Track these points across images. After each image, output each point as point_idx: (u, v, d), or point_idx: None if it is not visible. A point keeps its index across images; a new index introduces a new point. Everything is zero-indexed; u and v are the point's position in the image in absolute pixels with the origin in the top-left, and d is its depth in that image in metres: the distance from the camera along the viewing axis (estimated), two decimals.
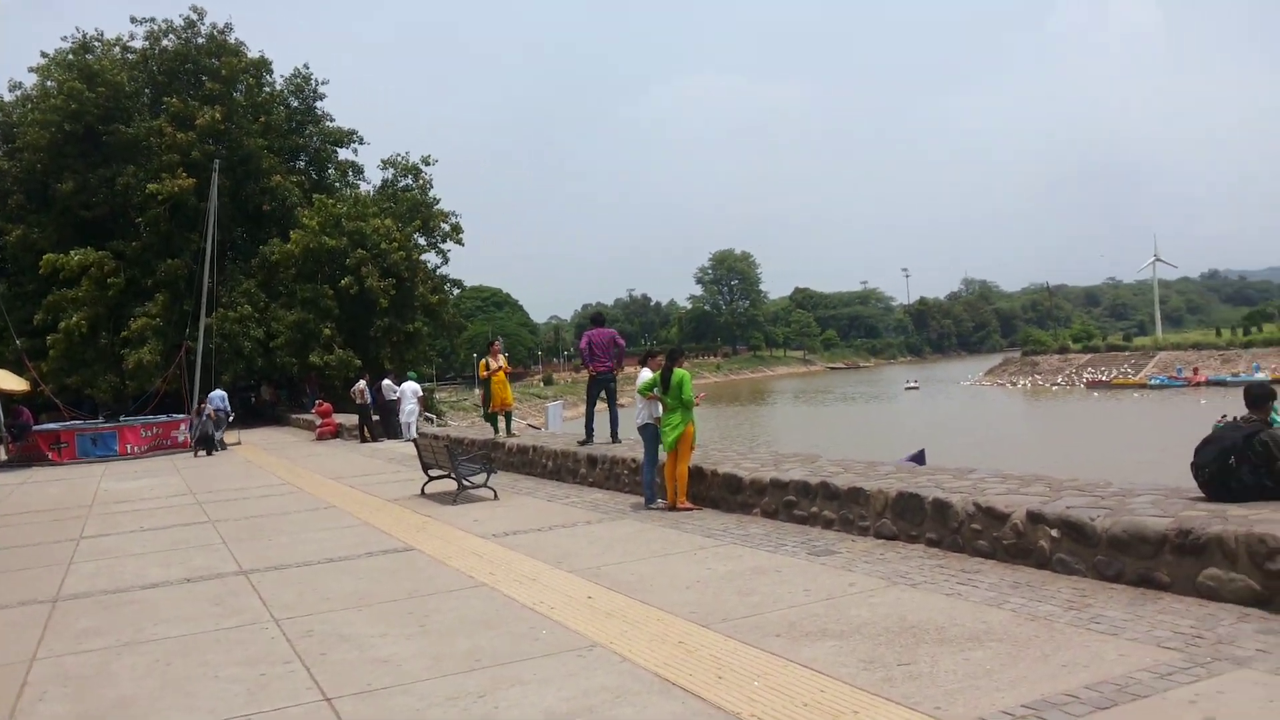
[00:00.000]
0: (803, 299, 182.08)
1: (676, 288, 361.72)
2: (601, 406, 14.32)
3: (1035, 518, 6.72)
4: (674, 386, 10.28)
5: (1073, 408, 66.82)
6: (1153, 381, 79.08)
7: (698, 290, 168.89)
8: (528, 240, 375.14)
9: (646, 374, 10.98)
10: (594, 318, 14.85)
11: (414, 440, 15.61)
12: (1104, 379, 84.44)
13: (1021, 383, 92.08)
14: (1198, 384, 74.88)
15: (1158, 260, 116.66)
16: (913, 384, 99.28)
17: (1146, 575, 5.96)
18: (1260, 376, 72.39)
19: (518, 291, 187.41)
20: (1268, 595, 5.32)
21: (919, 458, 21.16)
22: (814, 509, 8.90)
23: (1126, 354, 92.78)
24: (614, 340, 14.06)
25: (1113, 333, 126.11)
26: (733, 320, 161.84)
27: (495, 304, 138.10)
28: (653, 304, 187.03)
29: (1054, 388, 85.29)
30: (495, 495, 12.67)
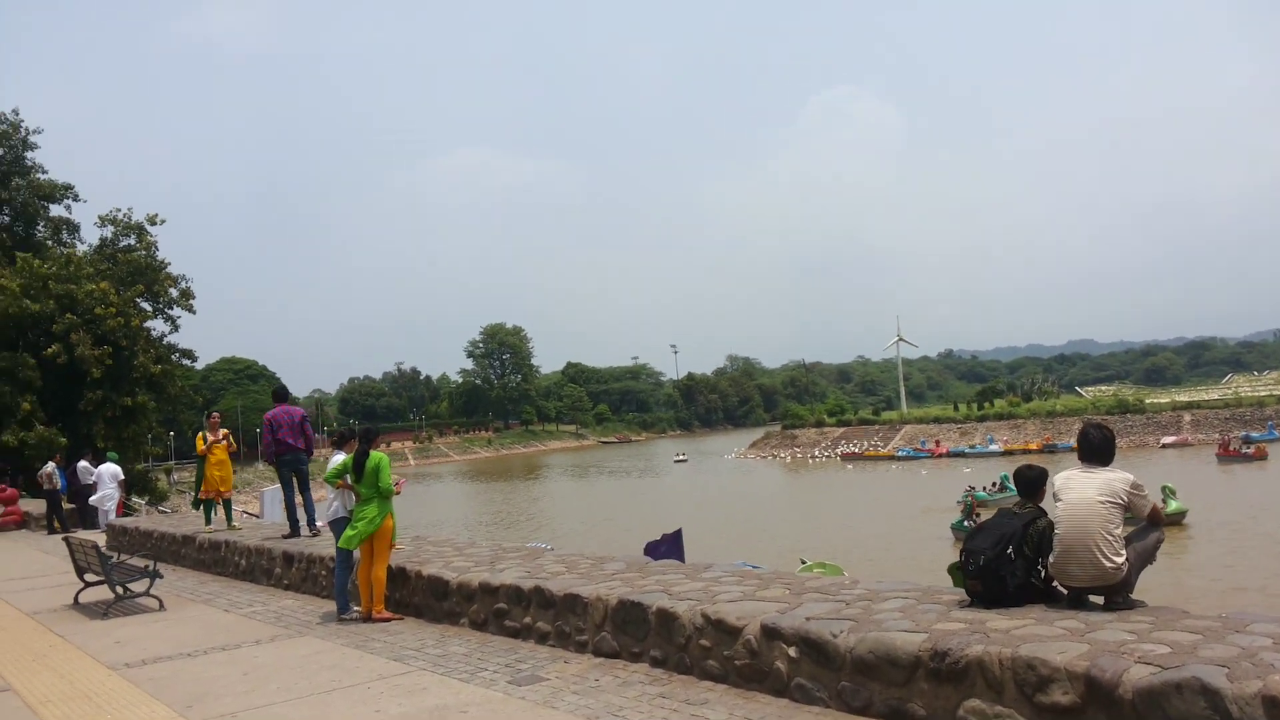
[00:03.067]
0: (575, 373, 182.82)
1: (447, 361, 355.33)
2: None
3: (771, 633, 5.53)
4: (369, 472, 8.61)
5: (830, 479, 69.17)
6: (900, 453, 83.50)
7: (469, 364, 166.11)
8: (288, 312, 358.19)
9: (338, 459, 9.24)
10: (275, 394, 12.67)
11: (65, 538, 12.87)
12: (857, 451, 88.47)
13: (783, 455, 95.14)
14: (939, 455, 79.69)
15: (901, 340, 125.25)
16: (681, 457, 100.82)
17: (899, 708, 4.85)
18: (994, 448, 78.02)
19: (277, 364, 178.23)
20: None
21: (674, 540, 20.19)
22: (527, 619, 7.43)
23: (876, 427, 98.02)
24: (303, 421, 12.11)
25: (864, 407, 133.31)
26: (504, 394, 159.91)
27: (249, 377, 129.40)
28: (422, 377, 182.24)
29: (812, 460, 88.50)
30: (161, 605, 10.42)
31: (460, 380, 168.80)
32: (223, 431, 14.27)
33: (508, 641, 7.47)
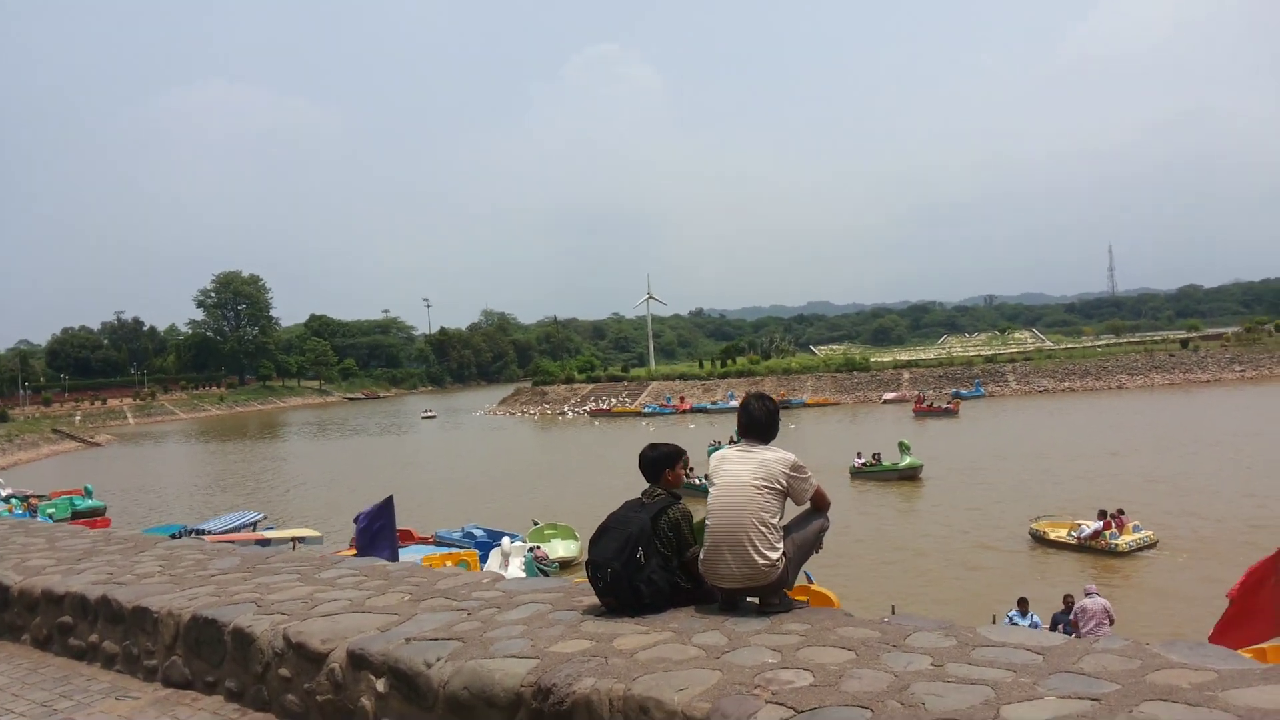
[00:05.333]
0: (319, 326, 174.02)
1: (176, 311, 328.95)
2: None
3: (358, 660, 4.34)
4: None
5: (575, 436, 69.22)
6: (647, 409, 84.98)
7: (199, 314, 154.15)
8: None
9: None
10: None
11: None
12: (605, 407, 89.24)
13: (531, 411, 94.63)
14: (684, 411, 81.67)
15: (651, 298, 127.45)
16: (430, 414, 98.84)
17: None
18: (734, 404, 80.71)
19: None
20: None
21: (384, 509, 18.62)
22: (93, 637, 5.87)
23: (625, 384, 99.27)
24: None
25: (615, 364, 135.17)
26: (240, 348, 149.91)
27: None
28: (146, 329, 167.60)
29: (561, 417, 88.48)
30: None
31: (190, 332, 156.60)
32: None
33: (68, 665, 5.88)
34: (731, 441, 5.33)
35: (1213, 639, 9.76)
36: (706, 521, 4.47)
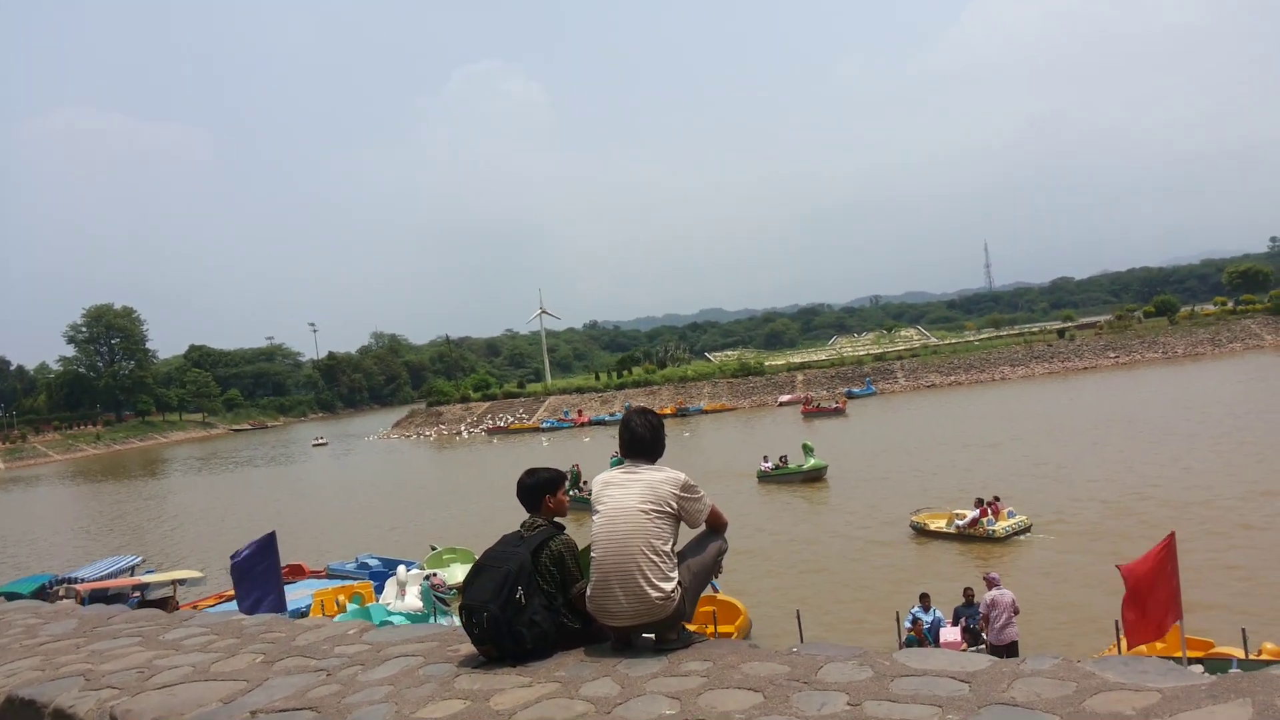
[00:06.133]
0: (199, 357, 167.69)
1: (45, 349, 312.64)
2: None
3: None
4: None
5: (472, 455, 68.02)
6: (545, 424, 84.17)
7: (70, 351, 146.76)
8: None
9: None
10: None
11: None
12: (502, 425, 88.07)
13: (428, 433, 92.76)
14: (582, 424, 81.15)
15: (544, 313, 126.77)
16: (320, 441, 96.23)
17: None
18: None
19: None
20: None
21: (265, 546, 17.60)
22: None
23: (521, 400, 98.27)
24: None
25: (511, 380, 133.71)
26: (115, 383, 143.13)
27: None
28: (14, 368, 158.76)
29: (458, 437, 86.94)
30: None
31: (60, 369, 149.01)
32: None
33: None
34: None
35: (1129, 638, 9.76)
36: (592, 553, 4.02)
